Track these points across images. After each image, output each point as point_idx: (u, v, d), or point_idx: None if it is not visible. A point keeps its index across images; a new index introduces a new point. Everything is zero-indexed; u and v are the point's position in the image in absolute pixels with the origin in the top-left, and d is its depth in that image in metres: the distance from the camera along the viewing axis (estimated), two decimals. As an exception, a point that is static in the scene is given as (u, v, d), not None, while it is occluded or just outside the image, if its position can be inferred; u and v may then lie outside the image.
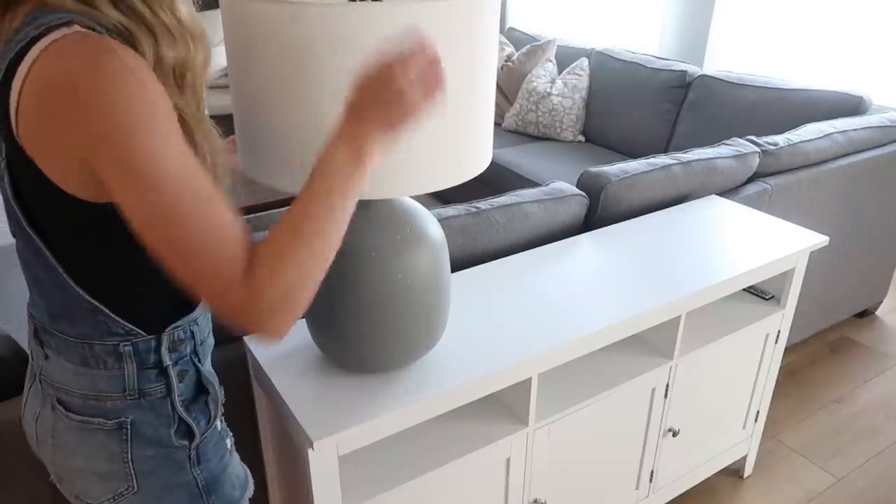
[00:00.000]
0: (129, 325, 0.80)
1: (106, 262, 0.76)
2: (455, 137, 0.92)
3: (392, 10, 0.81)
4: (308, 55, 0.83)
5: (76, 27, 0.67)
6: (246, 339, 1.23)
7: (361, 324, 1.06)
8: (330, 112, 0.85)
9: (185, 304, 0.84)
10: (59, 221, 0.74)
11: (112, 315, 0.79)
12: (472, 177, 0.99)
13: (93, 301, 0.78)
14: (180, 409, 0.85)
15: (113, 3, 0.70)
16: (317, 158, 0.74)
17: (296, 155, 0.89)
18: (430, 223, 1.10)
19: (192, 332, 0.86)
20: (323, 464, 1.06)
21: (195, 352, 0.88)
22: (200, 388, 0.89)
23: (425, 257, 1.06)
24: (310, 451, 1.03)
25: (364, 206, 1.05)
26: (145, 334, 0.81)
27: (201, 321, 0.88)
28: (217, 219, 0.70)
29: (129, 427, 0.83)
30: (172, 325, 0.83)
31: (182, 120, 0.73)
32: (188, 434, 0.86)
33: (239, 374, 1.26)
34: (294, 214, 0.73)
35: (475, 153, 0.97)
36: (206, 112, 0.82)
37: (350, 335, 1.08)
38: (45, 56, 0.66)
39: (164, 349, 0.83)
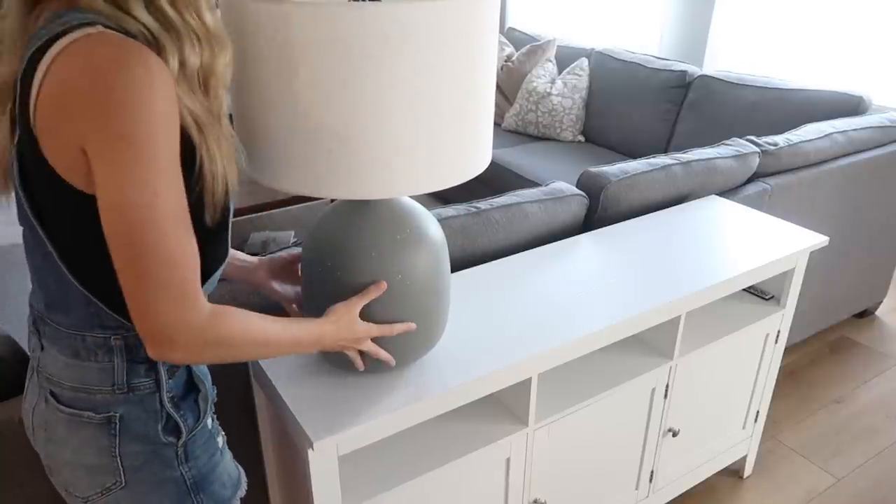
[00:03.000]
0: (121, 319, 0.80)
1: (100, 255, 0.76)
2: (455, 137, 0.92)
3: (391, 10, 0.81)
4: (305, 55, 0.83)
5: (100, 28, 0.68)
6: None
7: (361, 324, 1.06)
8: (327, 112, 0.85)
9: None
10: (59, 210, 0.75)
11: (104, 308, 0.79)
12: (472, 177, 0.99)
13: (86, 293, 0.78)
14: (168, 406, 0.85)
15: (145, 5, 0.71)
16: (312, 323, 0.93)
17: (295, 156, 0.89)
18: (430, 223, 1.10)
19: None
20: (323, 464, 1.06)
21: None
22: (191, 386, 0.90)
23: (425, 258, 1.06)
24: (310, 452, 1.03)
25: (364, 206, 1.05)
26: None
27: None
28: (189, 246, 0.74)
29: (117, 422, 0.83)
30: None
31: (196, 125, 0.74)
32: (176, 431, 0.86)
33: (239, 374, 1.26)
34: (271, 331, 0.84)
35: (475, 153, 0.97)
36: (228, 113, 0.82)
37: (350, 335, 1.07)
38: (67, 53, 0.67)
39: None
